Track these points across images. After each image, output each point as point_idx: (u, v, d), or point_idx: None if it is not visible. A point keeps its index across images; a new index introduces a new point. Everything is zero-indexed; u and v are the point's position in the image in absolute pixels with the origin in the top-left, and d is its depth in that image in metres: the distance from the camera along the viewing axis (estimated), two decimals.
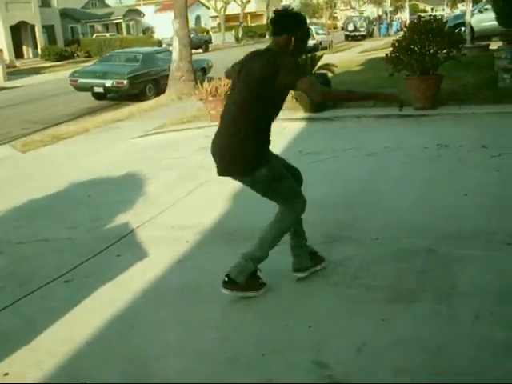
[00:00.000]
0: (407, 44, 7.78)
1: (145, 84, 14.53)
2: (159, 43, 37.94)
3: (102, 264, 3.91)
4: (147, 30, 51.87)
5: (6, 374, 2.68)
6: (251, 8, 57.29)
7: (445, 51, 7.80)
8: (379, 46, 23.79)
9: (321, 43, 30.14)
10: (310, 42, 29.42)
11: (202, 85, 9.33)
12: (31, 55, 39.55)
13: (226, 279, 3.14)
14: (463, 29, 14.92)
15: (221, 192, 5.15)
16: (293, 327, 2.87)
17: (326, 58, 11.59)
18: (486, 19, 16.22)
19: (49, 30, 41.51)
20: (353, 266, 3.47)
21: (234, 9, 51.84)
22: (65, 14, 44.82)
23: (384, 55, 8.25)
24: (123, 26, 51.05)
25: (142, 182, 5.88)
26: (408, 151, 6.05)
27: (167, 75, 14.30)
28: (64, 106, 14.30)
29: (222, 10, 49.08)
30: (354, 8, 57.61)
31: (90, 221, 4.82)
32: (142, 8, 56.41)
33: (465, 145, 6.01)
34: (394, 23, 47.81)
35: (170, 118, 9.83)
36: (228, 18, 51.97)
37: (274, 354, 2.65)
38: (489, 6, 15.23)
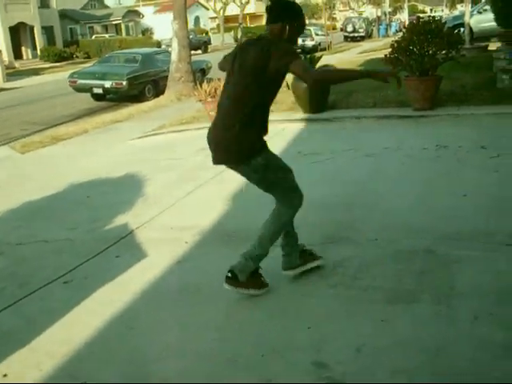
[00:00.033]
0: (406, 45, 7.79)
1: (144, 85, 14.53)
2: (158, 44, 37.95)
3: (101, 265, 3.91)
4: (146, 31, 51.87)
5: (5, 375, 2.68)
6: (250, 9, 57.25)
7: (444, 52, 7.81)
8: (378, 47, 23.82)
9: (320, 44, 30.21)
10: (309, 43, 29.63)
11: (201, 86, 9.34)
12: (30, 56, 39.53)
13: (229, 275, 3.12)
14: (462, 30, 14.96)
15: (220, 193, 5.16)
16: (292, 328, 2.88)
17: (325, 59, 11.61)
18: (484, 20, 16.24)
19: (48, 30, 41.50)
20: (352, 266, 3.47)
21: (233, 10, 51.83)
22: (64, 15, 44.82)
23: (383, 56, 8.26)
24: (122, 26, 51.08)
25: (141, 183, 5.88)
26: (407, 152, 6.05)
27: (166, 76, 14.30)
28: (63, 107, 14.31)
29: (221, 11, 49.07)
30: (353, 9, 57.71)
31: (89, 222, 4.82)
32: (141, 9, 56.45)
33: (464, 146, 6.02)
34: (393, 24, 47.88)
35: (169, 119, 9.84)
36: (227, 19, 51.97)
37: (274, 354, 2.65)
38: (488, 7, 15.26)
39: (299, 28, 3.06)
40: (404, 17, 53.31)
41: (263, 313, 3.07)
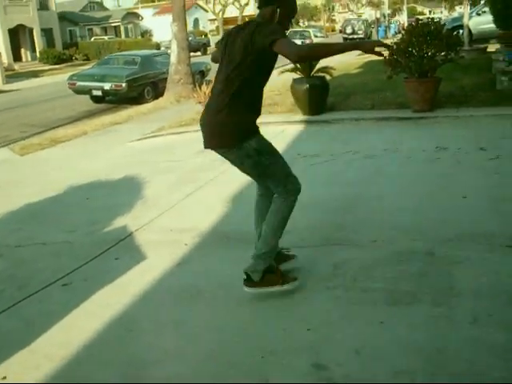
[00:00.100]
0: (405, 47, 7.81)
1: (143, 87, 14.54)
2: (157, 46, 38.02)
3: (101, 267, 3.91)
4: (145, 33, 51.97)
5: (4, 377, 2.67)
6: (249, 11, 57.32)
7: (443, 54, 7.83)
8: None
9: None
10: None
11: (200, 88, 9.36)
12: (29, 58, 39.56)
13: (245, 277, 3.11)
14: (461, 31, 15.01)
15: (219, 195, 5.15)
16: (292, 329, 2.87)
17: (324, 61, 11.59)
18: (483, 22, 16.26)
19: (47, 33, 41.55)
20: (351, 268, 3.47)
21: (232, 12, 51.99)
22: (63, 17, 44.88)
23: (382, 58, 8.26)
24: (121, 29, 51.14)
25: (140, 185, 5.87)
26: (406, 154, 6.05)
27: (166, 78, 14.32)
28: (62, 109, 14.31)
29: (221, 13, 49.20)
30: (352, 11, 57.84)
31: (88, 224, 4.81)
32: (140, 11, 56.49)
33: (463, 147, 6.02)
34: (392, 26, 47.92)
35: (168, 121, 9.84)
36: (226, 21, 52.03)
37: (273, 356, 2.65)
38: (486, 9, 15.27)
39: (290, 12, 3.04)
40: (403, 18, 53.41)
41: (263, 315, 3.06)
